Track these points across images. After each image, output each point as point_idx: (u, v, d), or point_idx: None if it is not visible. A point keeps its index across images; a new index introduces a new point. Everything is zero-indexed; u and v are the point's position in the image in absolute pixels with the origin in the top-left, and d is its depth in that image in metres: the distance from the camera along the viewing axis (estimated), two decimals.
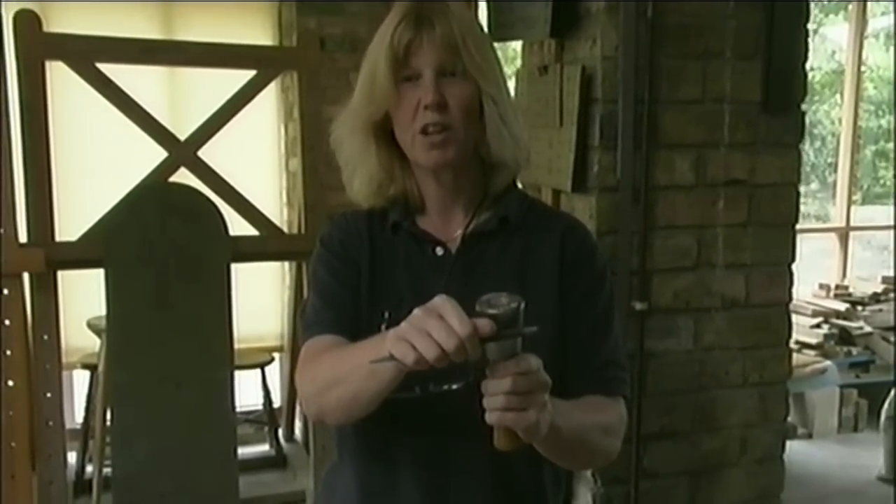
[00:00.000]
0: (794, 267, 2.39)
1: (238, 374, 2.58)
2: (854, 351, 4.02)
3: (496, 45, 2.30)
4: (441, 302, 0.87)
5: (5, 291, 2.34)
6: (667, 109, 2.16)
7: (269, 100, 3.67)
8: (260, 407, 3.64)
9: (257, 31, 3.74)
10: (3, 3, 2.41)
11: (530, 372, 0.89)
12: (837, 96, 5.96)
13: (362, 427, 1.08)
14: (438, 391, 0.92)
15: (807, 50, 2.28)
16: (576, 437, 1.01)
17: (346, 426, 1.11)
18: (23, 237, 2.38)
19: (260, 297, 3.73)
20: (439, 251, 1.11)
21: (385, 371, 0.91)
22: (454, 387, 0.92)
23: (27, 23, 2.37)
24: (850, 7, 4.83)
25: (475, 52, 1.05)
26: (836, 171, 4.96)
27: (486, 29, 2.24)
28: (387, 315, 1.06)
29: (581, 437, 1.02)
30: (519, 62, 2.55)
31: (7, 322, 2.34)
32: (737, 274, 2.30)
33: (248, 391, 3.46)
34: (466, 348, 0.85)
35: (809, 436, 3.97)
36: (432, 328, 0.85)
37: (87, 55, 2.47)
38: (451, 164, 1.08)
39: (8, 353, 2.34)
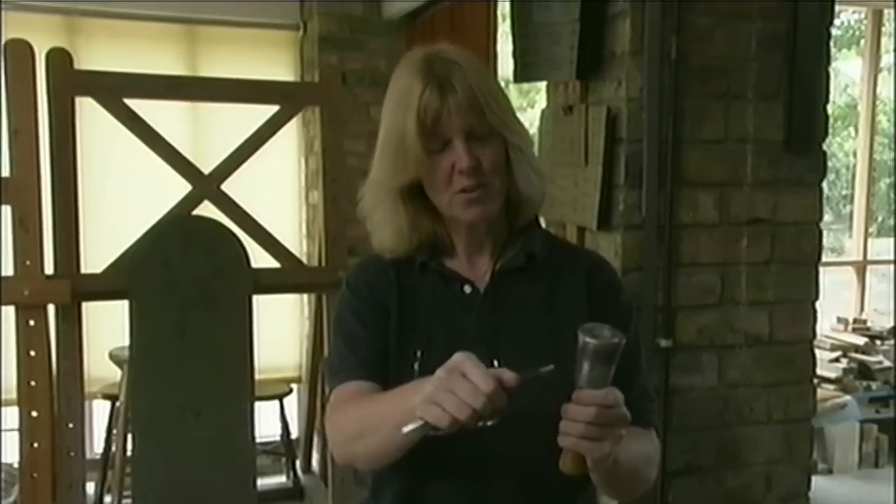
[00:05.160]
0: (816, 304, 2.39)
1: (256, 405, 2.59)
2: (874, 385, 3.99)
3: (520, 84, 2.33)
4: (462, 360, 0.89)
5: (31, 322, 2.35)
6: (690, 149, 2.17)
7: (290, 133, 3.72)
8: (278, 438, 3.64)
9: (279, 66, 3.80)
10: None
11: (615, 406, 0.91)
12: (851, 129, 5.98)
13: (399, 466, 1.08)
14: (473, 428, 0.93)
15: (828, 91, 2.30)
16: (631, 468, 1.03)
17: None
18: (48, 269, 2.40)
19: (279, 329, 3.75)
20: (467, 289, 1.13)
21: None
22: (488, 423, 0.93)
23: (59, 60, 2.42)
24: (864, 42, 4.87)
25: (497, 109, 1.06)
26: (851, 202, 4.97)
27: (512, 70, 2.25)
28: (418, 354, 1.08)
29: (635, 467, 1.05)
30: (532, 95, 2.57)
31: (32, 353, 2.36)
32: (760, 311, 2.30)
33: (266, 422, 3.46)
34: (493, 402, 0.87)
35: (830, 471, 3.92)
36: (458, 389, 0.87)
37: (115, 91, 2.51)
38: (490, 219, 1.11)
39: (32, 383, 2.36)
